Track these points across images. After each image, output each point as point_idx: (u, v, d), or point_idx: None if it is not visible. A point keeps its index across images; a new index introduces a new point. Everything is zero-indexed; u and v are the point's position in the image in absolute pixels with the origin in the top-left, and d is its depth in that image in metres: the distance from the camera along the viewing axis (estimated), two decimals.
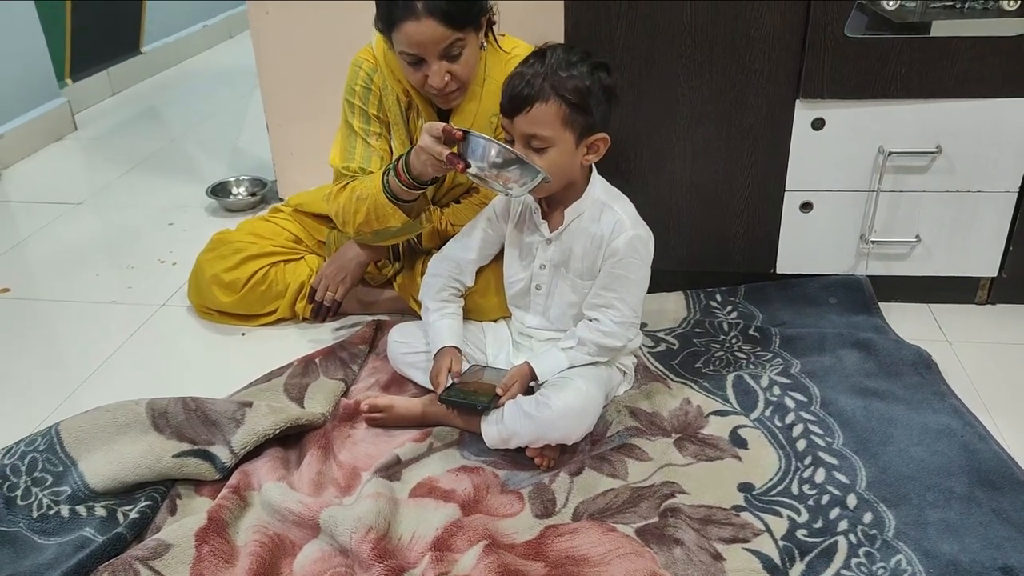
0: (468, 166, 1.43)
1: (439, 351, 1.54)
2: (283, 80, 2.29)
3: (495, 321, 1.70)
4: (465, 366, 1.57)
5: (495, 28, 1.69)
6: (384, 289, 1.92)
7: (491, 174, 1.41)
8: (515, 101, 1.39)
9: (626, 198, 1.54)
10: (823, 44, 1.70)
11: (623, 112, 1.80)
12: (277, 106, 2.35)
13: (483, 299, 1.68)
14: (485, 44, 1.67)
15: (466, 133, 1.42)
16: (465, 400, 1.45)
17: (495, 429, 1.45)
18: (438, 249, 1.72)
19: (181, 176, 2.81)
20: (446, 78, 1.58)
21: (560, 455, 1.48)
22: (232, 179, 2.64)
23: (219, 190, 2.58)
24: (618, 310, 1.49)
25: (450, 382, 1.49)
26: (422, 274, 1.71)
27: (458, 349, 1.55)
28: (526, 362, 1.50)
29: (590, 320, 1.51)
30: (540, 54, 1.42)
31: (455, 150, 1.46)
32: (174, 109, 3.54)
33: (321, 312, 1.82)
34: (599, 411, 1.50)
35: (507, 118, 1.42)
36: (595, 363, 1.52)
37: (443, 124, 1.47)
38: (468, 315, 1.67)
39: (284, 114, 2.35)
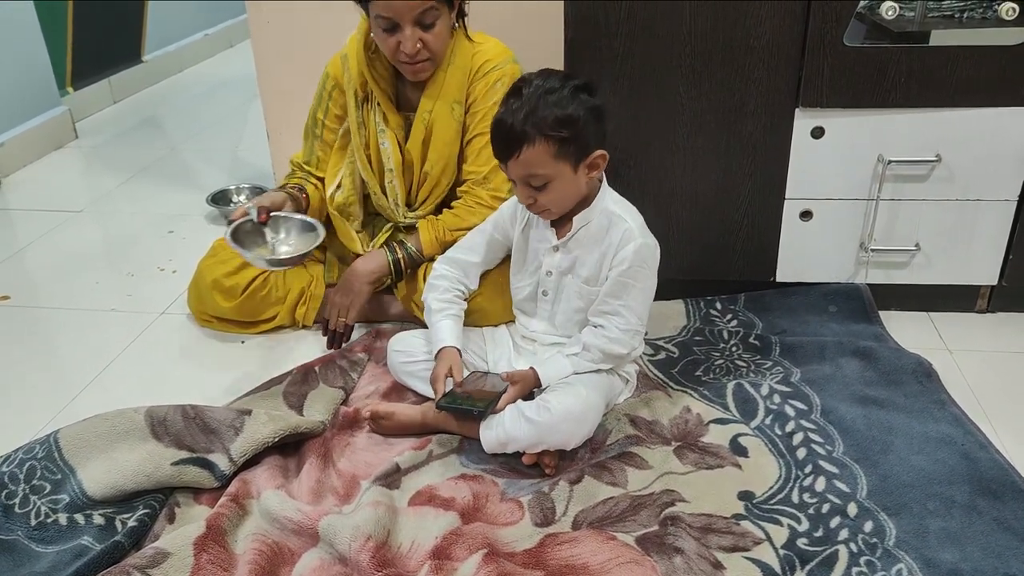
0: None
1: (440, 351, 1.54)
2: (283, 89, 2.30)
3: (496, 327, 1.70)
4: (465, 373, 1.57)
5: (465, 20, 1.75)
6: (387, 299, 1.92)
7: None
8: (502, 147, 1.42)
9: (635, 208, 1.54)
10: (822, 53, 1.70)
11: (623, 121, 1.80)
12: (277, 115, 2.35)
13: (490, 303, 1.68)
14: (456, 25, 1.73)
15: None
16: (462, 406, 1.45)
17: (493, 433, 1.45)
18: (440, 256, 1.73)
19: (181, 184, 2.81)
20: (418, 45, 1.64)
21: (559, 462, 1.47)
22: (232, 187, 2.64)
23: (219, 198, 2.59)
24: (624, 318, 1.49)
25: (449, 387, 1.49)
26: (424, 281, 1.71)
27: (459, 351, 1.54)
28: (531, 368, 1.50)
29: (595, 326, 1.51)
30: (516, 91, 1.42)
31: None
32: (175, 117, 3.55)
33: (336, 340, 1.81)
34: (599, 417, 1.50)
35: (499, 161, 1.45)
36: (598, 370, 1.52)
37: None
38: (471, 319, 1.67)
39: (284, 123, 2.35)
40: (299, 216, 1.76)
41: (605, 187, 1.52)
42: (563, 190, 1.45)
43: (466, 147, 1.80)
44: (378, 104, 1.80)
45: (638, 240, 1.47)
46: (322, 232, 1.71)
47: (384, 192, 1.86)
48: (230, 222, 1.70)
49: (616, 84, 1.77)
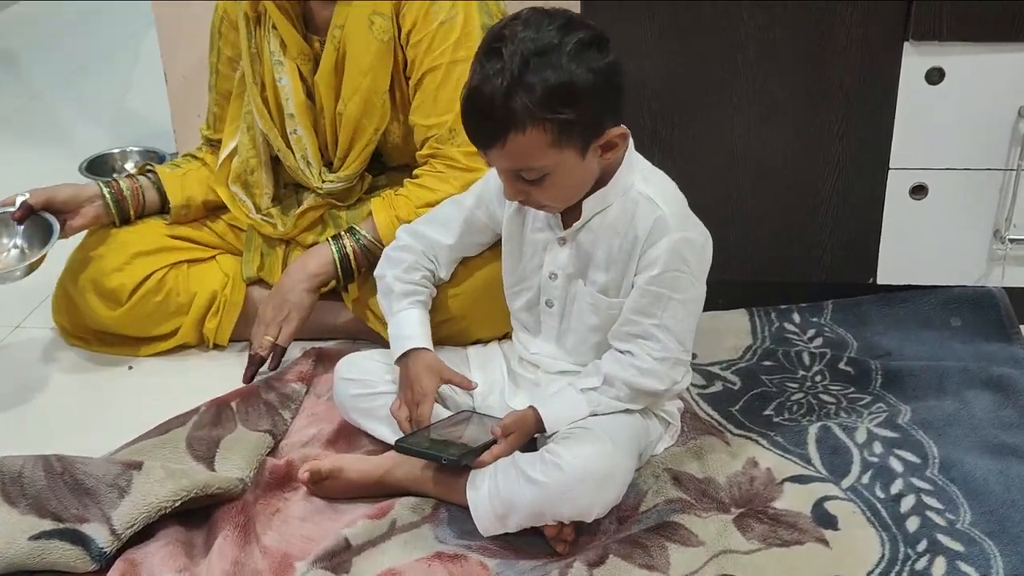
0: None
1: (407, 354, 1.53)
2: (189, 14, 2.29)
3: (484, 343, 1.71)
4: (444, 413, 1.56)
5: None
6: (333, 307, 1.92)
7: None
8: (480, 132, 1.41)
9: (673, 186, 1.53)
10: None
11: (662, 62, 1.80)
12: (179, 50, 2.35)
13: (476, 308, 1.70)
14: None
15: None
16: (428, 450, 1.45)
17: (487, 502, 1.44)
18: None
19: (45, 146, 2.81)
20: None
21: (576, 537, 1.47)
22: (116, 151, 2.64)
23: (98, 166, 2.58)
24: (659, 342, 1.48)
25: (422, 426, 1.50)
26: None
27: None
28: (530, 407, 1.49)
29: (621, 352, 1.50)
30: (493, 50, 1.38)
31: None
32: (36, 53, 3.54)
33: (254, 365, 1.79)
34: (630, 476, 1.49)
35: (475, 147, 1.44)
36: (626, 410, 1.51)
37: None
38: (449, 332, 1.68)
39: (189, 63, 2.34)
40: (50, 217, 1.84)
41: (631, 156, 1.51)
42: (566, 182, 1.44)
43: (416, 91, 1.81)
44: (273, 26, 1.82)
45: (675, 234, 1.46)
46: (51, 242, 1.80)
47: (290, 147, 1.87)
48: None
49: (656, 7, 1.77)
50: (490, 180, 1.62)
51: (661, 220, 1.47)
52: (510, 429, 1.47)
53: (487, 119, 1.38)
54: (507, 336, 1.71)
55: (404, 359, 1.55)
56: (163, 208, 1.95)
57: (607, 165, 1.48)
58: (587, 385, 1.50)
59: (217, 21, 1.93)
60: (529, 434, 1.49)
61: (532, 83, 1.34)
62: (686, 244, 1.47)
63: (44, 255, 1.81)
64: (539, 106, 1.35)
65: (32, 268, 1.80)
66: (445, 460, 1.44)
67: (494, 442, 1.46)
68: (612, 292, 1.52)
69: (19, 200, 1.82)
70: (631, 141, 1.50)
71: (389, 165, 1.95)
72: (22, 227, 1.84)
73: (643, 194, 1.49)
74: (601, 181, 1.49)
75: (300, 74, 1.84)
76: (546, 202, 1.47)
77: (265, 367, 1.83)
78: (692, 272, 1.49)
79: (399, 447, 1.48)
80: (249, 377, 1.79)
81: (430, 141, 1.80)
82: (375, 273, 1.66)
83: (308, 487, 1.56)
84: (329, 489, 1.55)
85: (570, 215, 1.52)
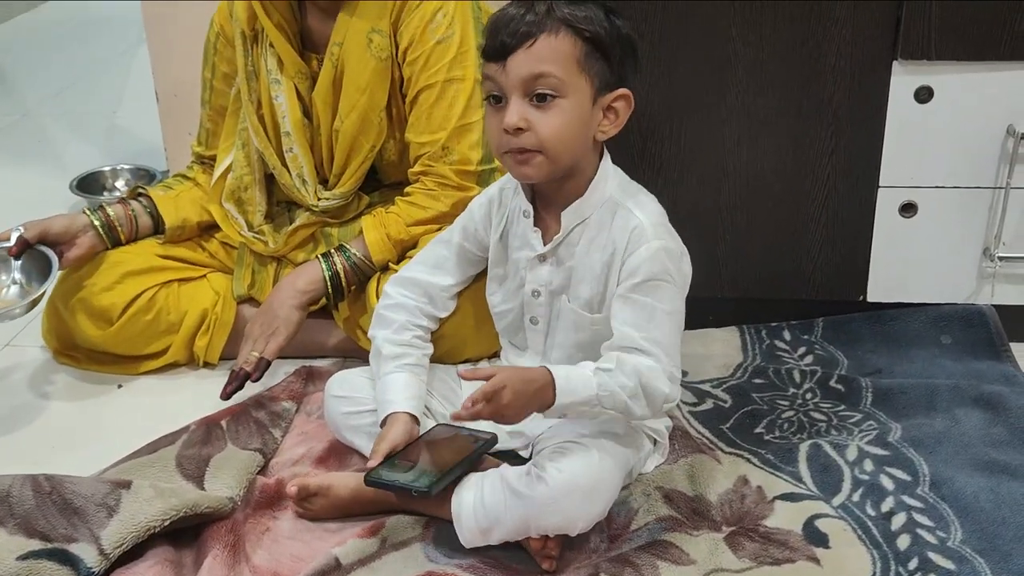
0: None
1: (388, 418, 1.53)
2: (180, 31, 2.29)
3: (474, 362, 1.71)
4: (430, 424, 1.56)
5: None
6: (323, 326, 1.92)
7: None
8: (510, 38, 1.41)
9: (651, 197, 1.54)
10: None
11: (652, 78, 1.81)
12: (171, 67, 2.35)
13: (465, 327, 1.70)
14: None
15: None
16: (396, 481, 1.43)
17: (471, 515, 1.43)
18: (396, 264, 1.75)
19: (35, 164, 2.81)
20: None
21: (564, 553, 1.47)
22: (107, 169, 2.64)
23: (89, 184, 2.59)
24: (653, 355, 1.45)
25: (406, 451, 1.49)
26: (378, 297, 1.71)
27: (416, 419, 1.54)
28: (543, 367, 1.42)
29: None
30: None
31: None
32: (26, 70, 3.54)
33: (236, 381, 1.76)
34: (616, 491, 1.49)
35: (496, 62, 1.42)
36: (614, 432, 1.50)
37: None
38: (440, 352, 1.68)
39: (180, 80, 2.35)
40: (49, 252, 1.83)
41: (607, 166, 1.52)
42: (569, 119, 1.43)
43: (411, 108, 1.82)
44: (271, 44, 1.82)
45: (653, 242, 1.46)
46: (51, 277, 1.79)
47: (286, 165, 1.87)
48: None
49: (645, 24, 1.78)
50: (474, 211, 1.63)
51: (639, 228, 1.47)
52: (490, 374, 1.38)
53: (523, 18, 1.41)
54: (496, 355, 1.71)
55: (384, 421, 1.54)
56: (157, 230, 1.95)
57: (590, 161, 1.49)
58: (603, 365, 1.43)
59: (212, 37, 1.93)
60: (528, 391, 1.39)
61: (574, 10, 1.41)
62: (666, 252, 1.47)
63: (44, 291, 1.80)
64: (578, 20, 1.41)
65: (34, 304, 1.79)
66: (415, 492, 1.43)
67: (468, 464, 1.46)
68: (596, 307, 1.52)
69: (14, 235, 1.81)
70: (607, 153, 1.51)
71: (384, 183, 1.95)
72: (19, 262, 1.84)
73: (620, 204, 1.50)
74: (577, 191, 1.50)
75: (297, 92, 1.85)
76: (539, 140, 1.43)
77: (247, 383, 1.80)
78: (674, 281, 1.48)
79: (368, 481, 1.46)
80: (228, 394, 1.77)
81: (422, 159, 1.80)
82: (368, 333, 1.66)
83: (296, 505, 1.56)
84: (318, 507, 1.55)
85: (549, 232, 1.53)
